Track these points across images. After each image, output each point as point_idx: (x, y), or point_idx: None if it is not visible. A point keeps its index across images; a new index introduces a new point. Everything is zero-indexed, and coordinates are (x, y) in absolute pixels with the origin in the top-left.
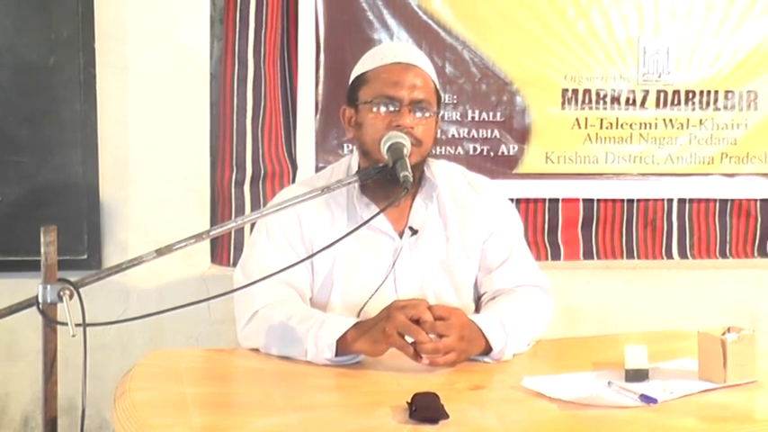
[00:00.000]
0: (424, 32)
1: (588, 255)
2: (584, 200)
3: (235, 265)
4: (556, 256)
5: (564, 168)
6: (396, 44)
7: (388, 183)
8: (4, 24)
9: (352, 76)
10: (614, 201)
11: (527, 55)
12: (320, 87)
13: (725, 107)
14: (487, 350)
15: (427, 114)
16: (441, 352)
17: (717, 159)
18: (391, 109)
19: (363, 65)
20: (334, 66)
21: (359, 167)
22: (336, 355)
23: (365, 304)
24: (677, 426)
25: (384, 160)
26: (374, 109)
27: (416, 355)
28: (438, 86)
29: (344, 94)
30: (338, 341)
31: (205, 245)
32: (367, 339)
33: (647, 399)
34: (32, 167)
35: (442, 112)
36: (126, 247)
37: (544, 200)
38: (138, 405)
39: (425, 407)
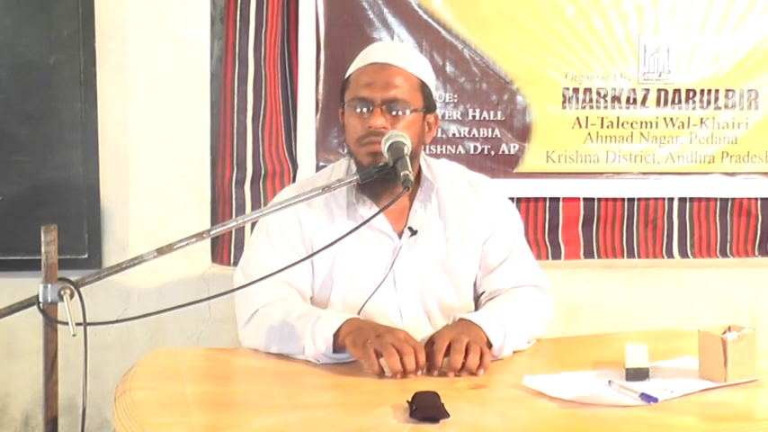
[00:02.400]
0: (425, 31)
1: (589, 254)
2: (585, 199)
3: (235, 264)
4: (556, 256)
5: (564, 167)
6: (380, 45)
7: (388, 182)
8: (5, 24)
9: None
10: (615, 200)
11: (527, 54)
12: (320, 86)
13: (725, 106)
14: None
15: (402, 113)
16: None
17: (717, 158)
18: (365, 110)
19: (351, 68)
20: (334, 65)
21: (357, 167)
22: (334, 350)
23: (365, 304)
24: (677, 425)
25: (363, 162)
26: (351, 111)
27: (381, 373)
28: (427, 83)
29: None
30: (334, 336)
31: (206, 244)
32: (352, 337)
33: (647, 398)
34: (33, 167)
35: (442, 111)
36: (126, 247)
37: (545, 199)
38: (138, 404)
39: (426, 406)
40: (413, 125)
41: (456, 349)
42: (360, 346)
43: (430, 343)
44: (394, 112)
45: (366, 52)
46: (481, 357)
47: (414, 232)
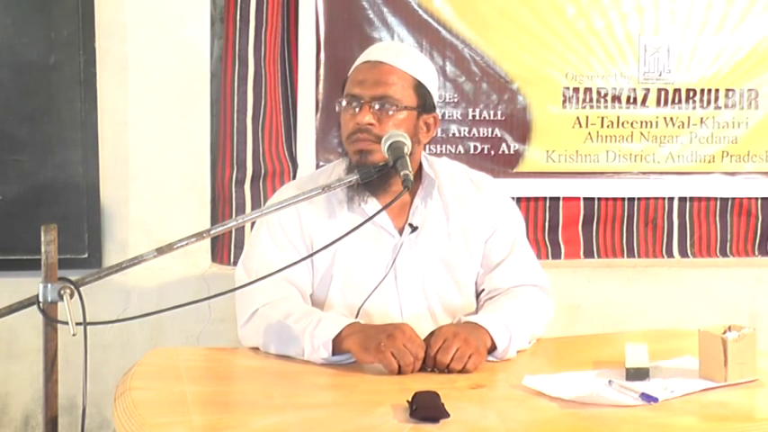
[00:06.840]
0: (425, 31)
1: (589, 253)
2: (585, 198)
3: (235, 263)
4: (556, 255)
5: (565, 167)
6: (379, 44)
7: (388, 179)
8: (5, 23)
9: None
10: (615, 199)
11: (528, 53)
12: (320, 86)
13: (726, 105)
14: (491, 349)
15: (390, 111)
16: (463, 361)
17: (717, 158)
18: (355, 107)
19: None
20: (334, 64)
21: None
22: (333, 354)
23: (365, 301)
24: (678, 424)
25: (352, 159)
26: (343, 109)
27: (398, 372)
28: (424, 83)
29: None
30: (334, 340)
31: (205, 244)
32: (359, 342)
33: (647, 397)
34: (33, 166)
35: (442, 111)
36: (126, 246)
37: (545, 198)
38: (138, 404)
39: (426, 406)
40: (403, 123)
41: (445, 348)
42: (373, 351)
43: (427, 339)
44: (382, 110)
45: (365, 52)
46: (468, 360)
47: (414, 229)
